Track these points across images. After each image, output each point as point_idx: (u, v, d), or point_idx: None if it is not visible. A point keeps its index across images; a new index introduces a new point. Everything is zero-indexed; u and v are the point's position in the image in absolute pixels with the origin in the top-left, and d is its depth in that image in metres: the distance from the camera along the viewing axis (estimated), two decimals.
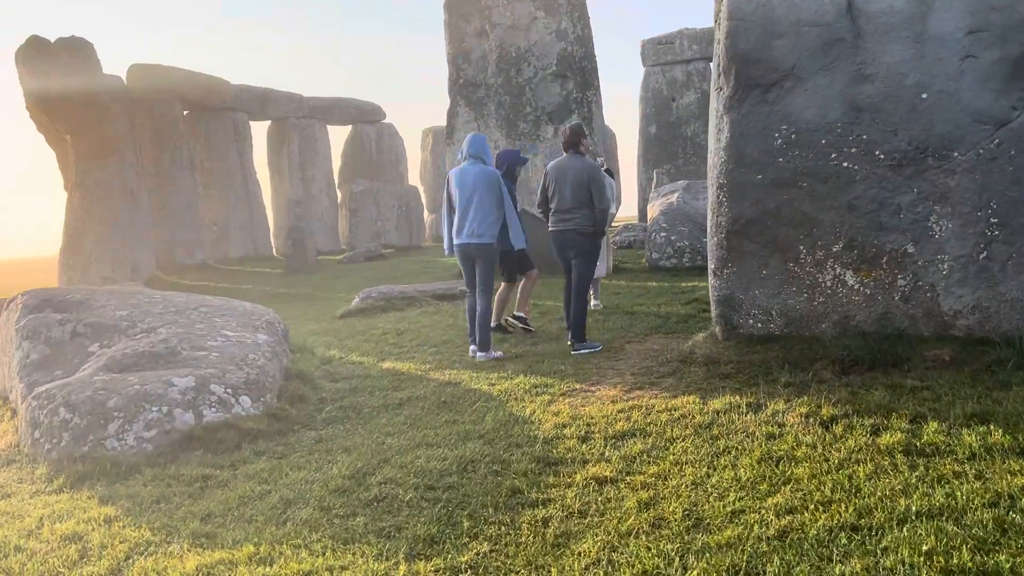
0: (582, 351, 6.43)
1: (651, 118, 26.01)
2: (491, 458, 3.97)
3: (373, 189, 26.24)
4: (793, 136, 5.33)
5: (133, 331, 5.89)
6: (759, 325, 5.60)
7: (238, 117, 24.01)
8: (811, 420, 4.06)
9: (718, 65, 5.64)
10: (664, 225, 12.91)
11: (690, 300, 8.76)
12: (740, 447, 3.81)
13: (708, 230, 5.89)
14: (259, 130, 28.39)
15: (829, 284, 5.38)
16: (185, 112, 22.51)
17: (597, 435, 4.18)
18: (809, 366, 5.10)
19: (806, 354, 5.27)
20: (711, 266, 5.78)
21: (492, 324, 7.01)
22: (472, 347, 6.72)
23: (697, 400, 4.66)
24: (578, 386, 5.38)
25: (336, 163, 29.39)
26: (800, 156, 5.32)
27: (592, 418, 4.52)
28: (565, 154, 6.72)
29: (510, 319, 7.55)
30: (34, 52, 12.88)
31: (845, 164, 5.23)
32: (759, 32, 5.35)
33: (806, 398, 4.41)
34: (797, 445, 3.74)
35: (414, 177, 32.73)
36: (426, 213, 30.59)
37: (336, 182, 28.78)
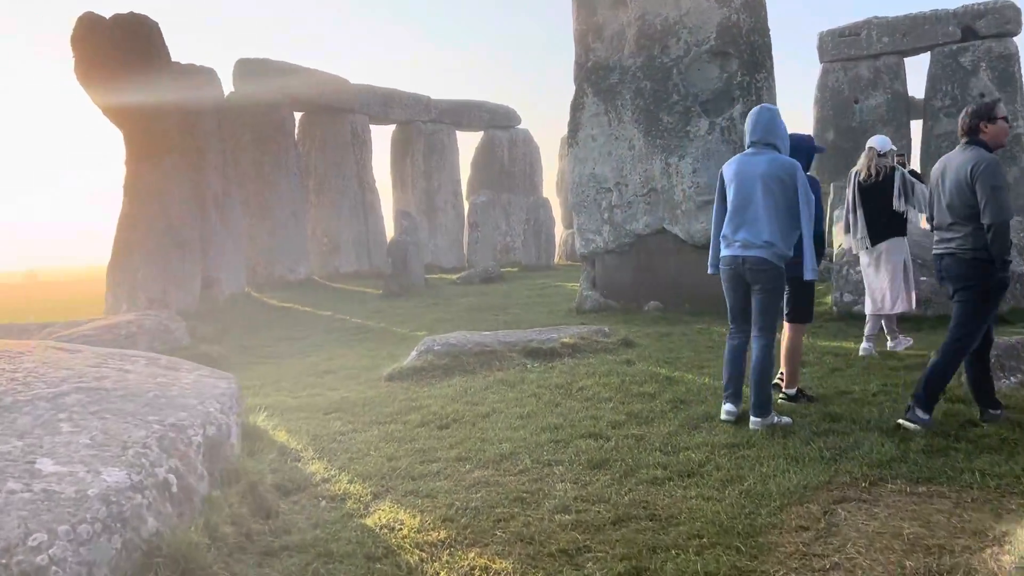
0: (993, 418, 4.54)
1: (828, 122, 22.00)
2: None
3: (502, 201, 23.60)
4: None
5: None
6: None
7: (357, 119, 21.93)
8: None
9: None
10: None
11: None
12: None
13: None
14: (381, 135, 26.57)
15: None
16: (298, 113, 20.76)
17: None
18: None
19: None
20: None
21: (788, 389, 5.34)
22: (725, 406, 4.87)
23: None
24: None
25: (465, 172, 27.00)
26: None
27: None
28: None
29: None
30: (85, 31, 10.95)
31: None
32: None
33: None
34: None
35: (548, 189, 29.85)
36: (560, 228, 27.61)
37: (464, 193, 26.36)
